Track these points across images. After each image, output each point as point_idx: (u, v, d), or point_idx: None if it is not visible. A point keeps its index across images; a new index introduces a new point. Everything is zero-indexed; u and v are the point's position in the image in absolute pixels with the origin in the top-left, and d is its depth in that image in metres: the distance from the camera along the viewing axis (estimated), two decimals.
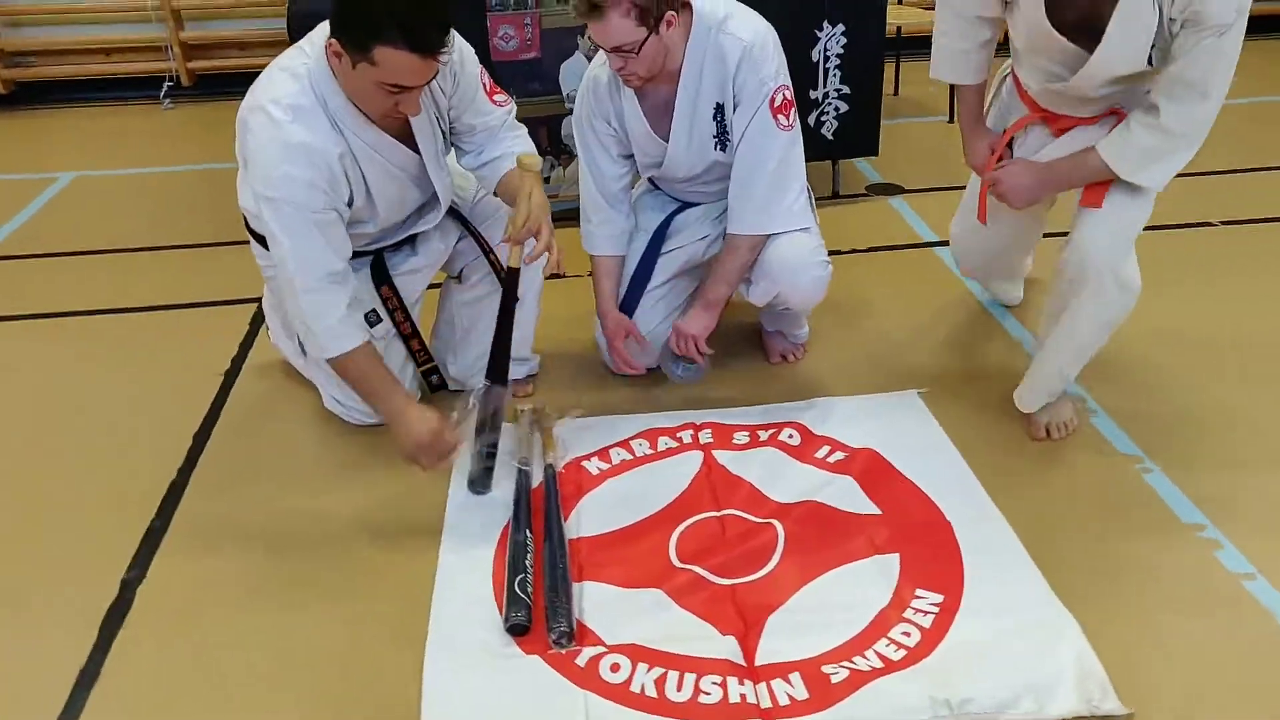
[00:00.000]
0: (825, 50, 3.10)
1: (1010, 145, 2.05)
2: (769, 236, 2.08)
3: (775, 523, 1.81)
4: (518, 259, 1.83)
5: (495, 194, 2.00)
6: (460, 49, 1.87)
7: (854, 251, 2.96)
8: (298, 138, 1.67)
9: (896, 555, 1.73)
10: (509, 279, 1.87)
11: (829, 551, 1.74)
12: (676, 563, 1.73)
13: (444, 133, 1.92)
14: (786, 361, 2.37)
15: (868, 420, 2.11)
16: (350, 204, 1.81)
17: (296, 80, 1.70)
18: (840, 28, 3.07)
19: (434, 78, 1.69)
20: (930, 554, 1.74)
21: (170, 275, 2.94)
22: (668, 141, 2.07)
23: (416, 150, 1.86)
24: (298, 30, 2.75)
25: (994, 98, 2.15)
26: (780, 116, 2.01)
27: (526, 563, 1.68)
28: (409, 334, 2.09)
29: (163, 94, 4.77)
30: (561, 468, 1.99)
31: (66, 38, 4.75)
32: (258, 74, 1.78)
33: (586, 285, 2.29)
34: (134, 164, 4.02)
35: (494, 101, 1.95)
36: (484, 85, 1.94)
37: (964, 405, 2.17)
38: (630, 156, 2.18)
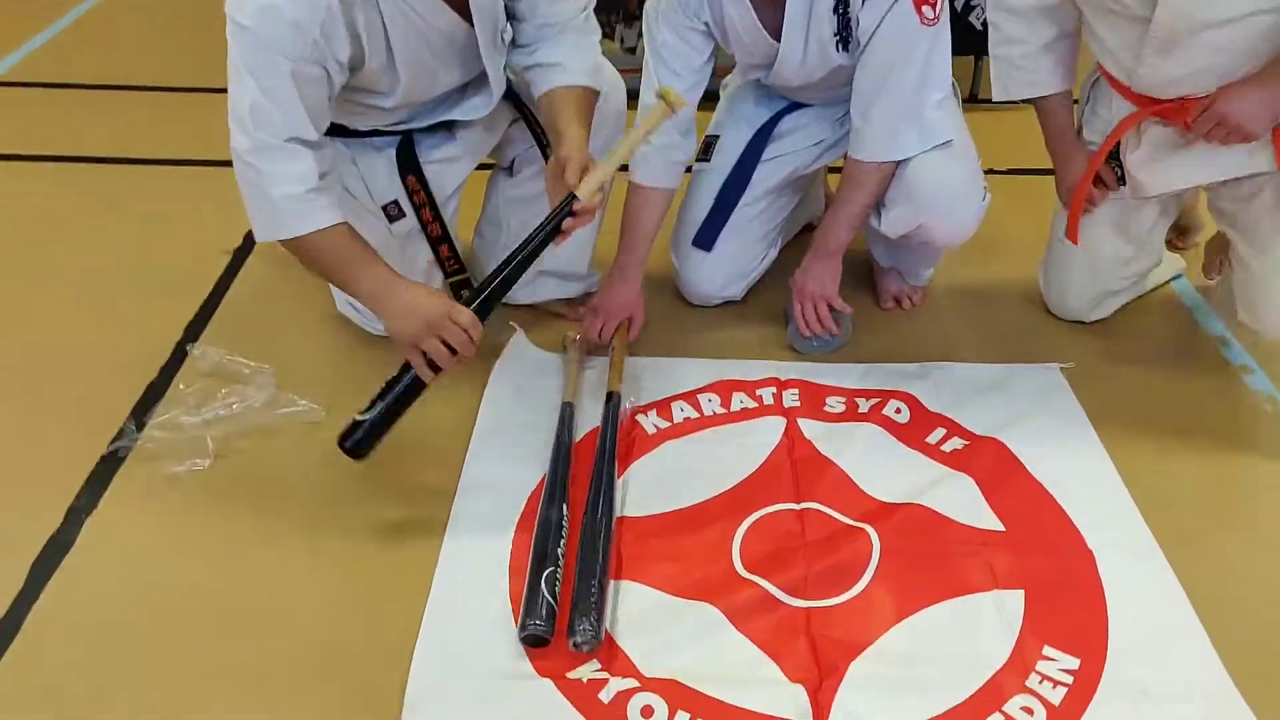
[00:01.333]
0: None
1: (1116, 162, 1.69)
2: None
3: (869, 528, 1.43)
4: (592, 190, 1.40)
5: (537, 101, 1.59)
6: None
7: (991, 172, 2.42)
8: None
9: (1021, 592, 1.35)
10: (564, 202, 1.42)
11: (935, 576, 1.37)
12: (741, 570, 1.37)
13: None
14: (900, 307, 1.94)
15: (996, 399, 1.69)
16: (358, 66, 1.42)
17: None
18: None
19: None
20: (1065, 595, 1.35)
21: (194, 122, 2.55)
22: (779, 40, 1.61)
23: (468, 19, 1.45)
24: None
25: (1085, 112, 1.76)
26: (925, 7, 1.54)
27: (559, 550, 1.34)
28: (438, 236, 1.71)
29: None
30: (628, 409, 1.63)
31: None
32: None
33: None
34: None
35: None
36: None
37: (1117, 389, 1.73)
38: (712, 61, 1.72)
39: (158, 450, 1.55)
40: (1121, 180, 1.70)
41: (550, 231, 1.42)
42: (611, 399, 1.61)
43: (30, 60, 2.96)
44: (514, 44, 1.59)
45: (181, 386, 1.66)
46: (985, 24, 2.58)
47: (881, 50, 1.57)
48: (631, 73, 1.78)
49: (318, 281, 1.85)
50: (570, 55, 1.55)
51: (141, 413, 1.63)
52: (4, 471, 1.53)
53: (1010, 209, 2.25)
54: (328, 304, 1.84)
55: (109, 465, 1.53)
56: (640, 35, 2.62)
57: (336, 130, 1.60)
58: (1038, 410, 1.67)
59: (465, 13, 1.46)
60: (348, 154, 1.63)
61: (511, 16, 1.56)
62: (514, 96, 1.67)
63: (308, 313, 1.86)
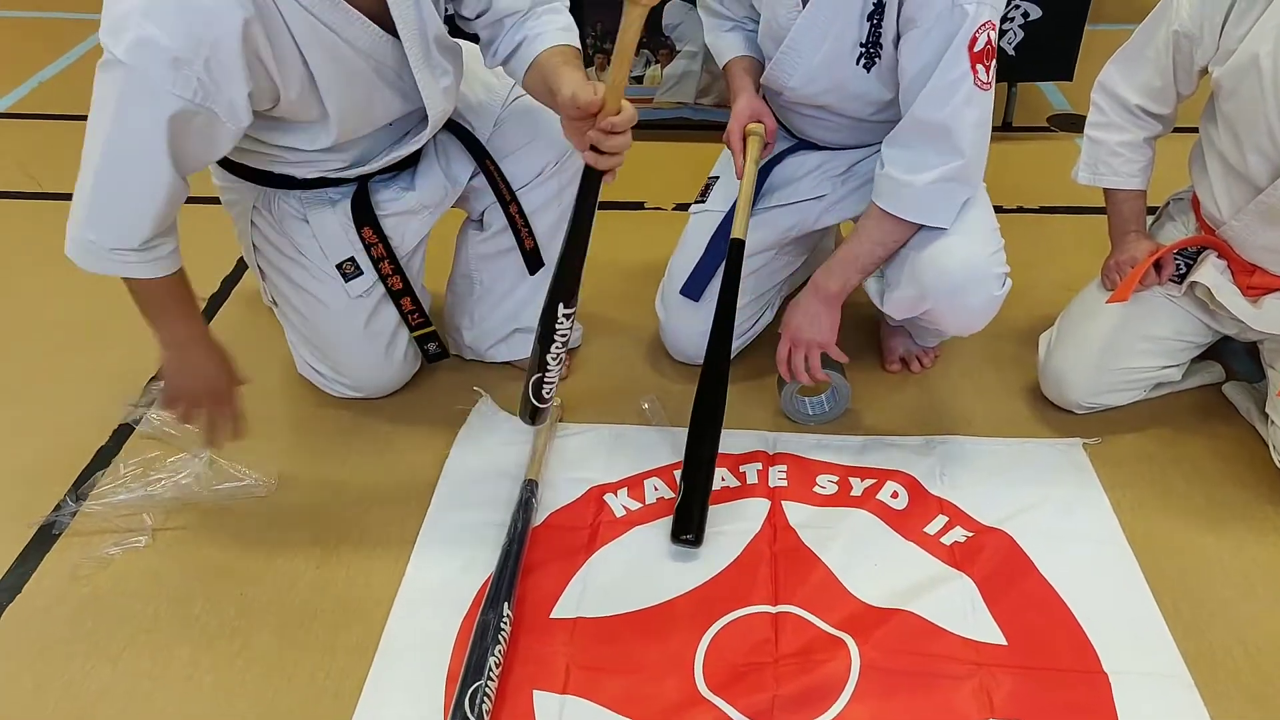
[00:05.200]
0: None
1: (1184, 260, 1.58)
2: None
3: (849, 640, 1.27)
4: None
5: (526, 86, 1.43)
6: None
7: (1020, 211, 2.27)
8: None
9: None
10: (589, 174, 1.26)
11: (920, 702, 1.20)
12: (702, 688, 1.22)
13: (446, 17, 1.37)
14: (908, 370, 1.77)
15: (1007, 481, 1.52)
16: (275, 101, 1.28)
17: None
18: None
19: None
20: None
21: None
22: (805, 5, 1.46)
23: (393, 32, 1.30)
24: None
25: (1159, 221, 1.69)
26: (980, 69, 1.38)
27: (491, 661, 1.21)
28: (399, 289, 1.59)
29: None
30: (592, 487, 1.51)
31: None
32: None
33: (657, 222, 1.71)
34: None
35: None
36: None
37: (1149, 472, 1.55)
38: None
39: (93, 527, 1.46)
40: (1178, 280, 1.56)
41: (590, 206, 1.28)
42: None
43: (32, 96, 2.93)
44: (485, 49, 1.45)
45: (123, 461, 1.57)
46: (1016, 49, 2.45)
47: (934, 102, 1.39)
48: None
49: (283, 337, 1.75)
50: (541, 25, 1.39)
51: (83, 482, 1.54)
52: None
53: (1036, 253, 2.07)
54: (290, 362, 1.72)
55: (42, 543, 1.44)
56: (648, 63, 2.51)
57: (285, 182, 1.49)
58: (1054, 496, 1.49)
59: (389, 26, 1.30)
60: (299, 212, 1.51)
61: (466, 21, 1.42)
62: (476, 145, 1.54)
63: (268, 372, 1.75)
